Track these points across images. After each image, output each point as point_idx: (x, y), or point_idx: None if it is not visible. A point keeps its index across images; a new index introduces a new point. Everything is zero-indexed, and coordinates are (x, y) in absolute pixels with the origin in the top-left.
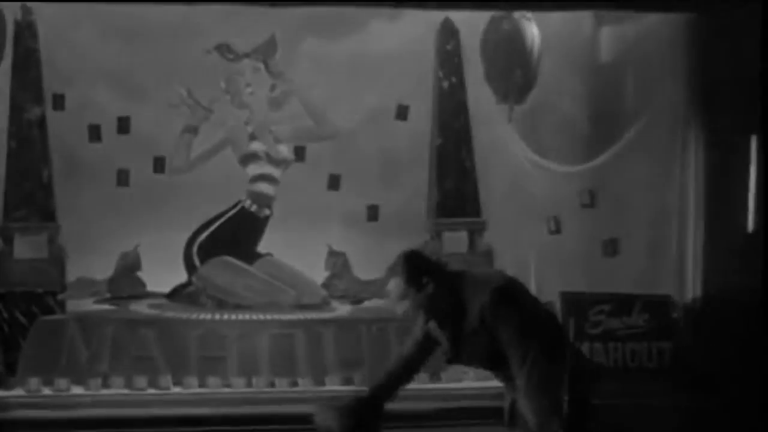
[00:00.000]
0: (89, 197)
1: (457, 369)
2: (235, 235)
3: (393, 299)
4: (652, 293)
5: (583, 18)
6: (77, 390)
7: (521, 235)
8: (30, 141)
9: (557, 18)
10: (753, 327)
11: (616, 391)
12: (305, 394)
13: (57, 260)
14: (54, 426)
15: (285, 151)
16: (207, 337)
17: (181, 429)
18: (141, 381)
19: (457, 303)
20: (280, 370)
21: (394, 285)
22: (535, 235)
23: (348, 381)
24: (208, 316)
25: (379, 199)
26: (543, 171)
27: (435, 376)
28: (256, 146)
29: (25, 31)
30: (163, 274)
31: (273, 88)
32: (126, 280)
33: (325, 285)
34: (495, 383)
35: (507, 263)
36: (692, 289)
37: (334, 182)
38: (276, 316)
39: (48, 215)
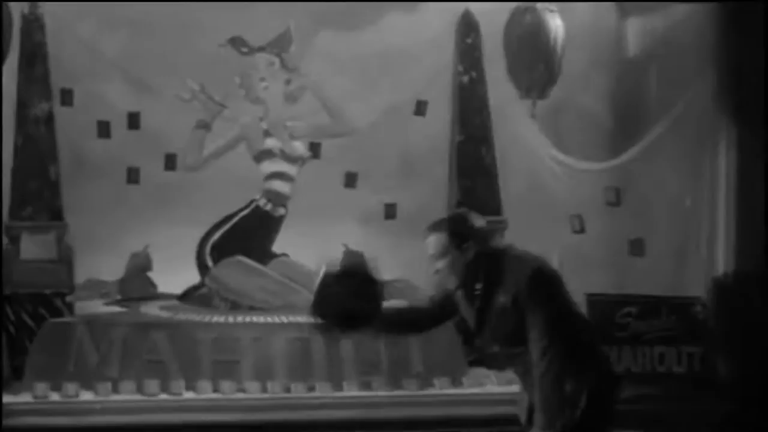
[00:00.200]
0: (98, 195)
1: (478, 373)
2: (250, 234)
3: (430, 255)
4: (680, 295)
5: (608, 10)
6: (86, 395)
7: (543, 234)
8: (37, 137)
9: (581, 10)
10: None
11: (645, 396)
12: (322, 400)
13: (65, 260)
14: None
15: (300, 147)
16: (220, 341)
17: None
18: (152, 386)
19: (492, 276)
20: (297, 375)
21: (434, 240)
22: (557, 234)
23: (367, 385)
24: (222, 319)
25: (397, 197)
26: (566, 168)
27: (457, 382)
28: (271, 143)
29: (32, 24)
30: (175, 274)
31: (288, 82)
32: (136, 281)
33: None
34: (517, 389)
35: None
36: (722, 290)
37: (350, 180)
38: (292, 319)
39: (55, 214)
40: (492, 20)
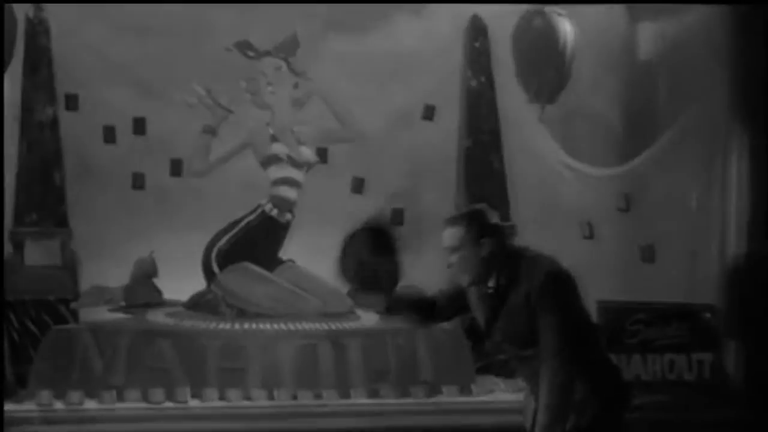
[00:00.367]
0: (103, 201)
1: (488, 381)
2: (256, 240)
3: (444, 247)
4: (691, 302)
5: (619, 14)
6: (91, 404)
7: (552, 240)
8: (42, 143)
9: (591, 14)
10: None
11: (655, 405)
12: (330, 408)
13: (69, 267)
14: None
15: (307, 152)
16: (227, 348)
17: None
18: (158, 394)
19: (507, 274)
20: (304, 383)
21: (451, 234)
22: (567, 240)
23: (375, 393)
24: (228, 326)
25: (404, 203)
26: (575, 173)
27: (465, 389)
28: (278, 148)
29: (37, 28)
30: (181, 281)
31: (295, 86)
32: (142, 288)
33: (350, 293)
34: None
35: None
36: (733, 297)
37: (358, 185)
38: (299, 326)
39: (60, 220)
40: (501, 24)
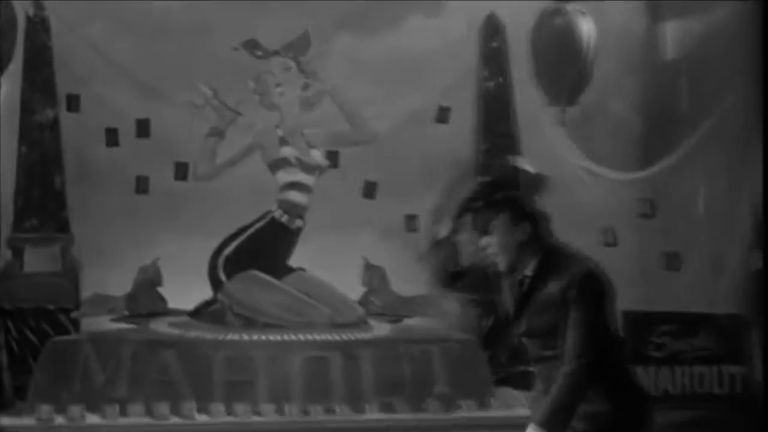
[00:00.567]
0: (105, 206)
1: (507, 394)
2: (265, 247)
3: (477, 229)
4: (720, 312)
5: (641, 12)
6: (92, 418)
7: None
8: (42, 145)
9: (613, 11)
10: None
11: (684, 421)
12: (342, 423)
13: (70, 274)
14: None
15: (318, 156)
16: (234, 360)
17: None
18: (162, 408)
19: (544, 264)
20: (315, 396)
21: (486, 216)
22: (588, 247)
23: (389, 408)
24: (236, 337)
25: (418, 209)
26: (597, 178)
27: (484, 404)
28: (287, 151)
29: (37, 26)
30: (186, 289)
31: (305, 87)
32: (145, 296)
33: (362, 302)
34: None
35: None
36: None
37: (370, 190)
38: (309, 337)
39: (61, 225)
40: (518, 23)
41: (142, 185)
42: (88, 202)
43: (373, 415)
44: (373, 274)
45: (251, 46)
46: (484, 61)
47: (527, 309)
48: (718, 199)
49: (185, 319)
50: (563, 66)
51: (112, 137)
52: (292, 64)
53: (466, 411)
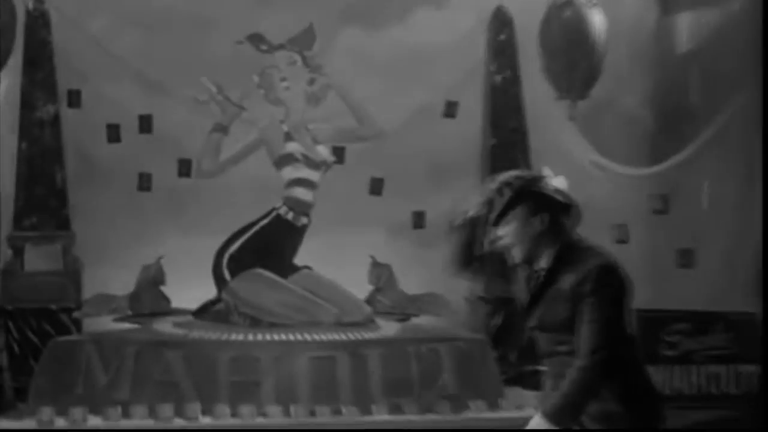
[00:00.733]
0: (107, 203)
1: (517, 395)
2: (270, 245)
3: (491, 217)
4: (734, 310)
5: (653, 3)
6: (95, 420)
7: None
8: (42, 141)
9: (624, 3)
10: None
11: (697, 421)
12: (350, 425)
13: (72, 273)
14: None
15: (324, 152)
16: (239, 360)
17: None
18: (166, 410)
19: (561, 256)
20: (321, 397)
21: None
22: (599, 244)
23: (397, 408)
24: (240, 337)
25: (425, 205)
26: (608, 173)
27: (493, 404)
28: (293, 147)
29: (37, 21)
30: (190, 288)
31: (311, 82)
32: (148, 296)
33: (369, 301)
34: None
35: None
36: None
37: (376, 186)
38: (315, 336)
39: (62, 223)
40: (527, 15)
41: (144, 182)
42: (89, 200)
43: (380, 416)
44: (381, 273)
45: (256, 40)
46: (492, 55)
47: (542, 302)
48: (732, 195)
49: (189, 318)
50: (573, 60)
51: (113, 133)
52: (298, 58)
53: (475, 411)
